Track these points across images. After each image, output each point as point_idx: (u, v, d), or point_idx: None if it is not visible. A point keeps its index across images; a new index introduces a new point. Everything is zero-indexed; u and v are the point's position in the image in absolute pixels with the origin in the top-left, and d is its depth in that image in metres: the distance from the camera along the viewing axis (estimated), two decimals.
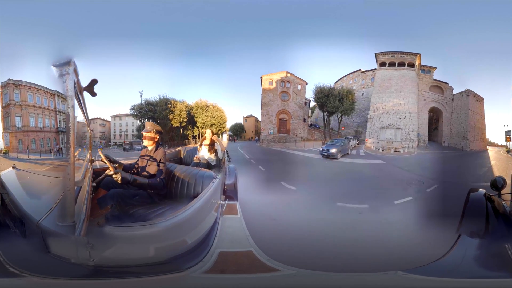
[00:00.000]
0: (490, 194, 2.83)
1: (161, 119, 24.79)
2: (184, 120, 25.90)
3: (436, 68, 26.49)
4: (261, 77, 26.62)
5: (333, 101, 25.41)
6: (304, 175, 12.11)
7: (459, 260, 2.19)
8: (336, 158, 16.01)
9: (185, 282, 2.04)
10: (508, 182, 2.86)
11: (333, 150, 16.27)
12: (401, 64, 24.80)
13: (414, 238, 4.42)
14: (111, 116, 36.20)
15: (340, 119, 27.58)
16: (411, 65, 24.59)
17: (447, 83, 26.99)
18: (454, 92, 27.04)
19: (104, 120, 36.12)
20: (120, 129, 35.82)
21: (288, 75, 26.59)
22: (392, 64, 25.08)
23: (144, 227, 2.09)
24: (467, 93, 25.68)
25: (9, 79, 21.03)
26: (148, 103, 25.73)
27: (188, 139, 26.82)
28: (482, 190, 2.95)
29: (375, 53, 25.55)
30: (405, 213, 6.46)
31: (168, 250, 2.22)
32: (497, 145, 28.46)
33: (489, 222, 2.57)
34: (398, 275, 2.06)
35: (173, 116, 25.07)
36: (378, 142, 23.52)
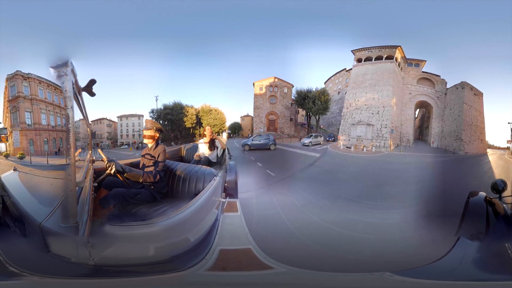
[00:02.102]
0: (491, 197, 2.74)
1: (177, 121, 30.00)
2: (194, 121, 30.94)
3: (425, 61, 23.36)
4: (253, 83, 30.03)
5: (308, 102, 27.64)
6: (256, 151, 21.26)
7: (457, 262, 2.13)
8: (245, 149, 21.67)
9: (189, 280, 2.00)
10: (509, 184, 2.79)
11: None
12: (379, 58, 22.67)
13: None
14: (118, 117, 36.46)
15: (317, 118, 29.88)
16: (391, 58, 22.25)
17: (438, 76, 23.14)
18: (448, 86, 22.89)
19: (110, 120, 36.40)
20: (127, 129, 36.20)
21: (276, 80, 29.67)
22: (370, 59, 23.20)
23: (145, 226, 2.04)
24: (463, 85, 21.22)
25: (17, 71, 17.69)
26: (166, 107, 30.31)
27: (196, 136, 31.17)
28: (482, 193, 2.86)
29: (352, 50, 24.13)
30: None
31: (170, 249, 2.18)
32: (498, 148, 22.72)
33: (489, 225, 2.49)
34: (384, 277, 2.01)
35: (187, 119, 30.41)
36: (349, 140, 22.17)
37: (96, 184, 2.86)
